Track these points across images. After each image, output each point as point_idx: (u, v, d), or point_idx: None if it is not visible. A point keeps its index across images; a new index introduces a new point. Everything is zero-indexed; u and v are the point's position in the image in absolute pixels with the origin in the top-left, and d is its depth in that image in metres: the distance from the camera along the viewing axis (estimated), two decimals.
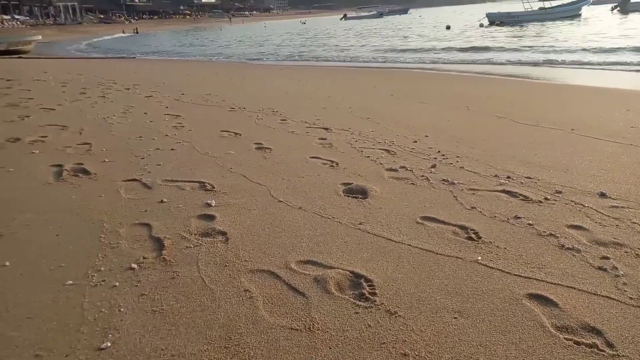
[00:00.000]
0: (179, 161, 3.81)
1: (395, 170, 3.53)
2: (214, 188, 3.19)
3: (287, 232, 2.54)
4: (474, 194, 3.02)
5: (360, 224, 2.62)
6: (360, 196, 3.03)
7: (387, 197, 3.01)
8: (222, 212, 2.79)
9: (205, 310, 1.85)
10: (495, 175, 3.32)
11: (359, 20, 77.82)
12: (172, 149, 4.15)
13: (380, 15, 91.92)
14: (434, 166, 3.59)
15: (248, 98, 7.06)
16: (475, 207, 2.80)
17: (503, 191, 3.03)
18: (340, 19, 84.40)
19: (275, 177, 3.43)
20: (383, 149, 4.09)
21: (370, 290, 1.96)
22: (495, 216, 2.67)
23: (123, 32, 57.78)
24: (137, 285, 2.04)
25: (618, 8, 39.26)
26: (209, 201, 2.95)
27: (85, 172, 3.51)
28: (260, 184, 3.29)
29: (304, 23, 74.82)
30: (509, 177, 3.28)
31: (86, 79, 9.90)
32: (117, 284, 2.05)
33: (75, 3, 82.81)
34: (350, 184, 3.24)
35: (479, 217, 2.67)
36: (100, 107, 6.34)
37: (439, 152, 3.96)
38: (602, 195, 2.89)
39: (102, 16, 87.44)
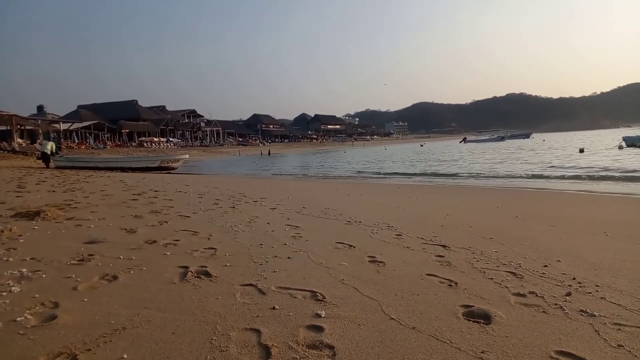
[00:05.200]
0: (294, 269, 3.86)
1: (523, 295, 3.17)
2: (324, 298, 3.12)
3: (398, 353, 2.33)
4: (619, 329, 2.57)
5: (482, 352, 2.32)
6: (482, 321, 2.73)
7: (515, 324, 2.67)
8: (331, 325, 2.68)
9: None
10: None
11: (478, 144, 77.98)
12: (288, 257, 4.25)
13: (501, 138, 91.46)
14: (569, 294, 3.16)
15: (364, 213, 7.16)
16: (622, 345, 2.36)
17: None
18: (460, 142, 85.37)
19: (388, 292, 3.27)
20: (508, 272, 3.74)
21: None
22: None
23: (260, 154, 64.94)
24: None
25: None
26: (319, 312, 2.87)
27: (207, 274, 3.69)
28: (371, 298, 3.15)
29: (422, 145, 77.16)
30: None
31: (220, 191, 10.96)
32: None
33: (220, 128, 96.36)
34: (471, 306, 2.95)
35: (627, 358, 2.23)
36: (229, 216, 6.87)
37: (574, 279, 3.51)
38: None
39: (240, 139, 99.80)
